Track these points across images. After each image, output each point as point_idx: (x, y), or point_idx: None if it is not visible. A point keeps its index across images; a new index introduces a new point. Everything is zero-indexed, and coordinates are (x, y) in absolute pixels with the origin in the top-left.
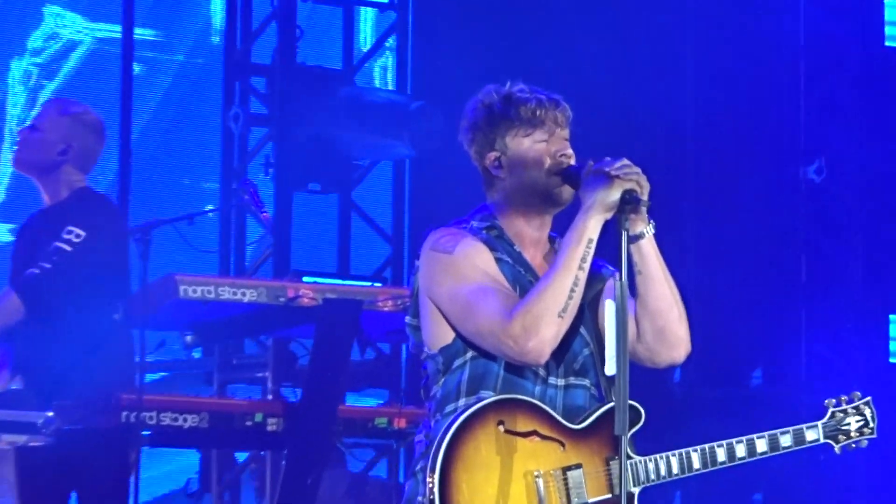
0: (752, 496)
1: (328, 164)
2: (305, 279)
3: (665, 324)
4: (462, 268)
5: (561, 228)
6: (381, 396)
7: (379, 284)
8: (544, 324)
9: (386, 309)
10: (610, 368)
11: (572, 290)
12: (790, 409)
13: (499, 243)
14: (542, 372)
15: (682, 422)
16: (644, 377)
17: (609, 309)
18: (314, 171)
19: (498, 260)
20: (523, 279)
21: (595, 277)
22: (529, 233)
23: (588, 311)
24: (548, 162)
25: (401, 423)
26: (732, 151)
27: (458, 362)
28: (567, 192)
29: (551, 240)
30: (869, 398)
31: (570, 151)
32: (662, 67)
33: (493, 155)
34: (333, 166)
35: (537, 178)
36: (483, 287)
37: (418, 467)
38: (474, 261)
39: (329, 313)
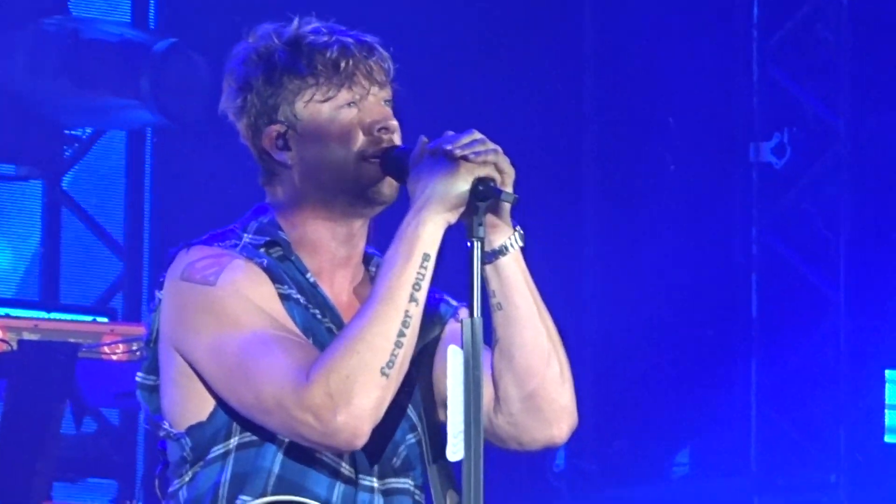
0: (827, 477)
1: (27, 134)
2: None
3: (539, 386)
4: (230, 307)
5: (383, 242)
6: (107, 490)
7: (105, 320)
8: (360, 387)
9: (115, 357)
10: (454, 451)
11: (401, 335)
12: None
13: (283, 269)
14: (345, 468)
15: None
16: (506, 464)
17: (453, 359)
18: (5, 146)
19: (284, 297)
20: (318, 327)
21: (430, 320)
22: (332, 250)
23: (417, 374)
24: (359, 139)
25: None
26: (653, 124)
27: (216, 450)
28: (389, 185)
29: (367, 259)
30: None
31: (393, 123)
32: None
33: (274, 130)
34: (35, 138)
35: (343, 165)
36: (264, 335)
37: None
38: (248, 296)
39: (28, 364)
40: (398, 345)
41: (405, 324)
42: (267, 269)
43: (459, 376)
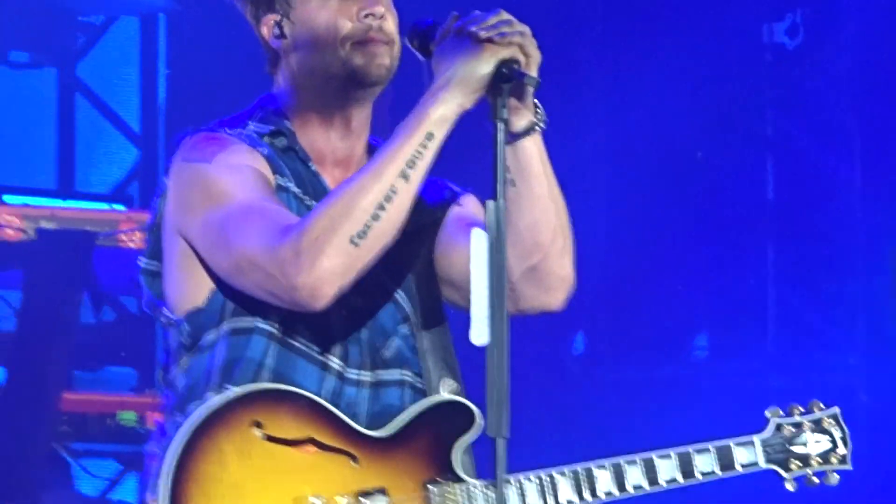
0: (846, 359)
1: (39, 21)
2: (8, 199)
3: (542, 260)
4: (222, 182)
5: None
6: (127, 379)
7: (121, 207)
8: (328, 248)
9: (132, 245)
10: (478, 335)
11: (381, 207)
12: (752, 399)
13: (285, 160)
14: (334, 361)
15: (578, 420)
16: (524, 348)
17: (476, 243)
18: (18, 35)
19: (281, 188)
20: None
21: (429, 205)
22: (332, 143)
23: (411, 263)
24: (346, 27)
25: (157, 420)
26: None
27: (209, 336)
28: (378, 64)
29: (372, 150)
30: (836, 410)
31: (380, 9)
32: None
33: (271, 18)
34: (48, 26)
35: (330, 52)
36: (250, 203)
37: (148, 497)
38: (242, 173)
39: (45, 252)
40: (375, 217)
41: (387, 198)
42: (268, 158)
43: (483, 259)
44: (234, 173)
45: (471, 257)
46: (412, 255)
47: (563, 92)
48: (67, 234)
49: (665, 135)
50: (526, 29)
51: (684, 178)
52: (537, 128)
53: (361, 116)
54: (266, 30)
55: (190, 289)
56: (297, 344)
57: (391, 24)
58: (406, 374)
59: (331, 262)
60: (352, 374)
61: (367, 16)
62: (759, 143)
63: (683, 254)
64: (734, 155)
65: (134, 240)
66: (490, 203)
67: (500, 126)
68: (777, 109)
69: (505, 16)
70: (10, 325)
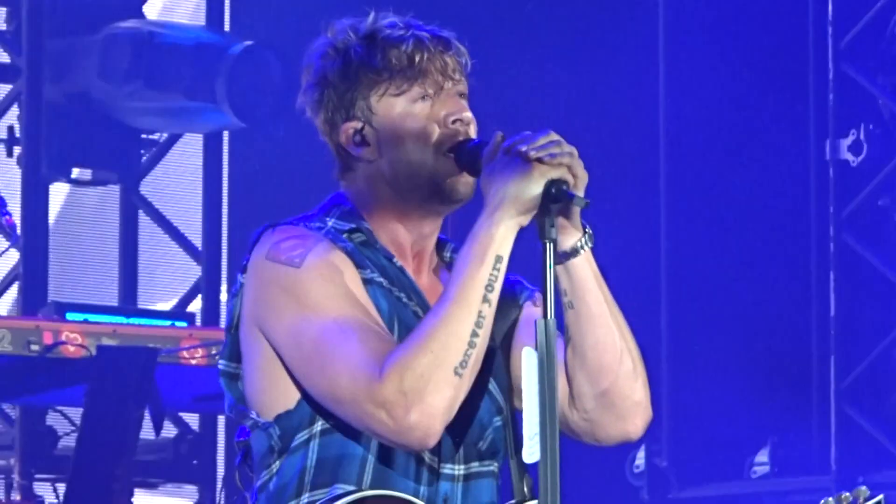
0: None
1: (103, 139)
2: (70, 316)
3: (612, 383)
4: (313, 290)
5: (456, 231)
6: (188, 496)
7: (183, 324)
8: (433, 386)
9: (194, 362)
10: (530, 453)
11: (474, 335)
12: None
13: (368, 255)
14: (428, 457)
15: None
16: (584, 464)
17: (528, 361)
18: (82, 151)
19: (367, 282)
20: (405, 311)
21: (507, 302)
22: (406, 244)
23: (500, 356)
24: (434, 133)
25: None
26: (727, 120)
27: (301, 436)
28: (465, 182)
29: (441, 245)
30: (880, 497)
31: (467, 115)
32: None
33: (351, 126)
34: (111, 143)
35: (418, 159)
36: (343, 323)
37: None
38: (332, 280)
39: (107, 369)
40: (471, 345)
41: (478, 324)
42: (350, 254)
43: (534, 378)
44: (326, 282)
45: (523, 376)
46: (498, 353)
47: (637, 213)
48: (129, 351)
49: (727, 252)
50: (574, 150)
51: (744, 292)
52: (587, 246)
53: (439, 219)
54: (344, 137)
55: (277, 392)
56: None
57: (475, 131)
58: (495, 466)
59: (441, 397)
60: (446, 469)
61: (455, 121)
62: (822, 258)
63: (744, 367)
64: (795, 270)
65: (195, 357)
66: (540, 322)
67: (549, 246)
68: (839, 225)
69: (554, 136)
70: (71, 441)
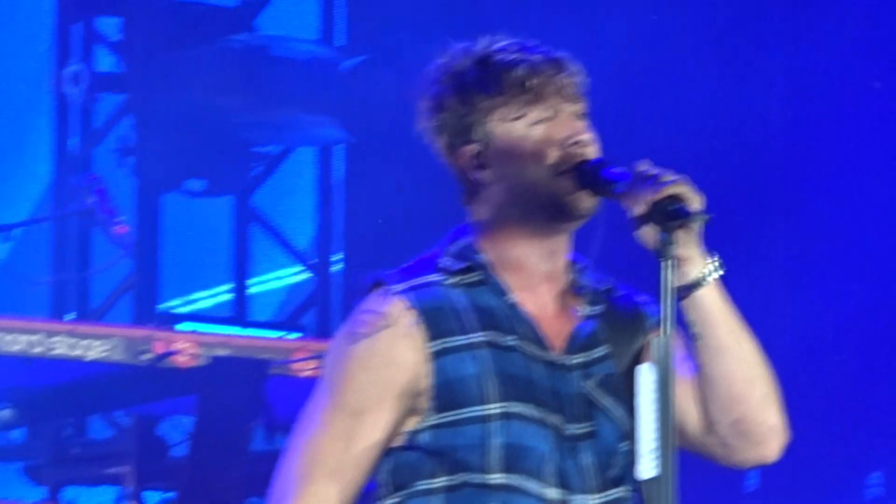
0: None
1: (216, 151)
2: (181, 326)
3: (745, 411)
4: (339, 374)
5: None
6: None
7: (296, 335)
8: None
9: (305, 374)
10: (645, 469)
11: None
12: None
13: (472, 297)
14: (553, 491)
15: None
16: (698, 482)
17: (645, 377)
18: (195, 163)
19: (440, 354)
20: (507, 358)
21: (633, 324)
22: (534, 266)
23: (628, 380)
24: (553, 154)
25: None
26: (840, 146)
27: (421, 485)
28: (587, 199)
29: (569, 265)
30: None
31: (585, 136)
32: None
33: (469, 150)
34: (225, 155)
35: (538, 182)
36: (329, 419)
37: None
38: (361, 376)
39: (219, 379)
40: None
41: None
42: (428, 323)
43: (651, 395)
44: (353, 372)
45: (638, 392)
46: (627, 377)
47: (750, 239)
48: (241, 362)
49: (842, 275)
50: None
51: (860, 312)
52: (713, 275)
53: (564, 238)
54: (464, 161)
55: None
56: (513, 483)
57: (595, 150)
58: (627, 491)
59: None
60: (577, 499)
61: (573, 143)
62: None
63: (858, 386)
64: None
65: (307, 368)
66: (658, 339)
67: (667, 263)
68: None
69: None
70: (183, 451)
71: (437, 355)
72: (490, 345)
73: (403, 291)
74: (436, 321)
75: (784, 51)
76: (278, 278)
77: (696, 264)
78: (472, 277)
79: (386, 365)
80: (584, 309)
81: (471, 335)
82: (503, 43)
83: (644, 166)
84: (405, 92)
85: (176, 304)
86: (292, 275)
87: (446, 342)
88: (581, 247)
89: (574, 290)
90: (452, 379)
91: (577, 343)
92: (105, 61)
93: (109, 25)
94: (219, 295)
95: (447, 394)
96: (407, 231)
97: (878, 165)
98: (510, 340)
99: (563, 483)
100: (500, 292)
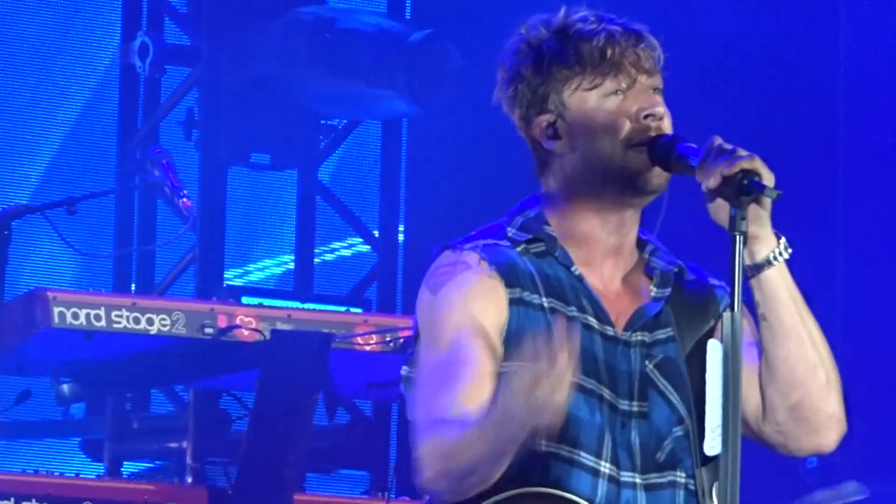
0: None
1: (282, 124)
2: (245, 300)
3: (804, 396)
4: (439, 321)
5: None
6: (359, 482)
7: (358, 310)
8: (446, 473)
9: (368, 348)
10: (711, 446)
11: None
12: None
13: (539, 266)
14: (605, 466)
15: None
16: (759, 459)
17: (712, 354)
18: (261, 136)
19: (515, 302)
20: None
21: (700, 306)
22: (602, 240)
23: (690, 365)
24: (625, 127)
25: None
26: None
27: None
28: (658, 174)
29: (641, 244)
30: None
31: (659, 110)
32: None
33: (544, 119)
34: (290, 128)
35: (610, 153)
36: (452, 359)
37: None
38: (461, 313)
39: (281, 353)
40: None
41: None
42: (503, 272)
43: (718, 371)
44: (452, 312)
45: (707, 369)
46: (691, 362)
47: (815, 218)
48: (303, 336)
49: None
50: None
51: None
52: (781, 257)
53: (635, 215)
54: (538, 131)
55: None
56: (564, 453)
57: (669, 125)
58: (679, 476)
59: (446, 485)
60: (626, 476)
61: (647, 116)
62: None
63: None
64: None
65: (370, 343)
66: (727, 314)
67: (739, 239)
68: None
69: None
70: (243, 425)
71: (513, 303)
72: (553, 311)
73: (473, 248)
74: (510, 273)
75: None
76: (342, 253)
77: (766, 243)
78: (539, 247)
79: (481, 297)
80: (651, 290)
81: (541, 298)
82: (582, 14)
83: (718, 141)
84: (471, 66)
85: (239, 278)
86: (356, 249)
87: (522, 294)
88: (646, 223)
89: (644, 270)
90: (525, 330)
91: (641, 322)
92: (172, 33)
93: None
94: (282, 269)
95: (515, 344)
96: (469, 206)
97: None
98: (573, 311)
99: (613, 458)
100: (567, 264)
